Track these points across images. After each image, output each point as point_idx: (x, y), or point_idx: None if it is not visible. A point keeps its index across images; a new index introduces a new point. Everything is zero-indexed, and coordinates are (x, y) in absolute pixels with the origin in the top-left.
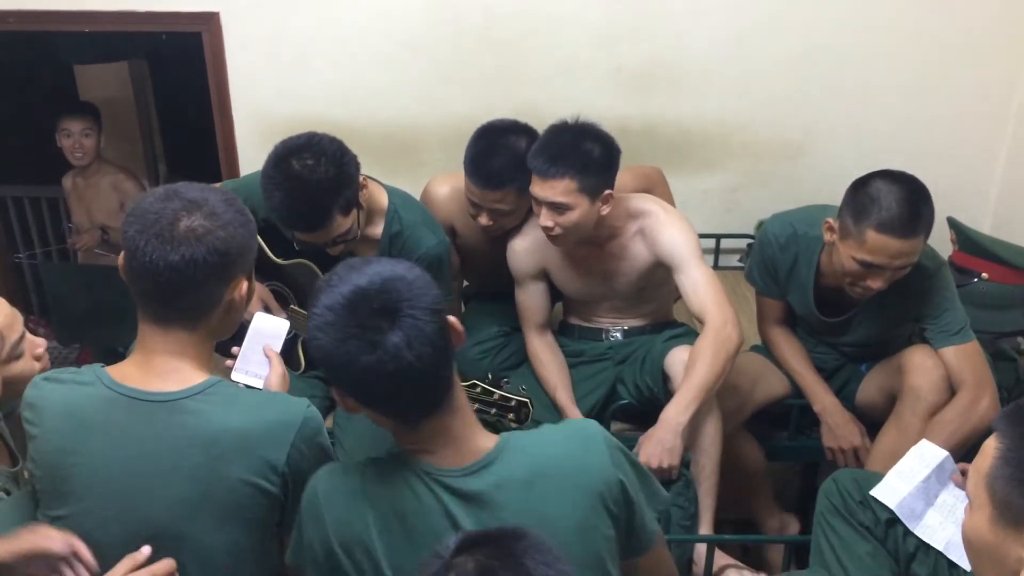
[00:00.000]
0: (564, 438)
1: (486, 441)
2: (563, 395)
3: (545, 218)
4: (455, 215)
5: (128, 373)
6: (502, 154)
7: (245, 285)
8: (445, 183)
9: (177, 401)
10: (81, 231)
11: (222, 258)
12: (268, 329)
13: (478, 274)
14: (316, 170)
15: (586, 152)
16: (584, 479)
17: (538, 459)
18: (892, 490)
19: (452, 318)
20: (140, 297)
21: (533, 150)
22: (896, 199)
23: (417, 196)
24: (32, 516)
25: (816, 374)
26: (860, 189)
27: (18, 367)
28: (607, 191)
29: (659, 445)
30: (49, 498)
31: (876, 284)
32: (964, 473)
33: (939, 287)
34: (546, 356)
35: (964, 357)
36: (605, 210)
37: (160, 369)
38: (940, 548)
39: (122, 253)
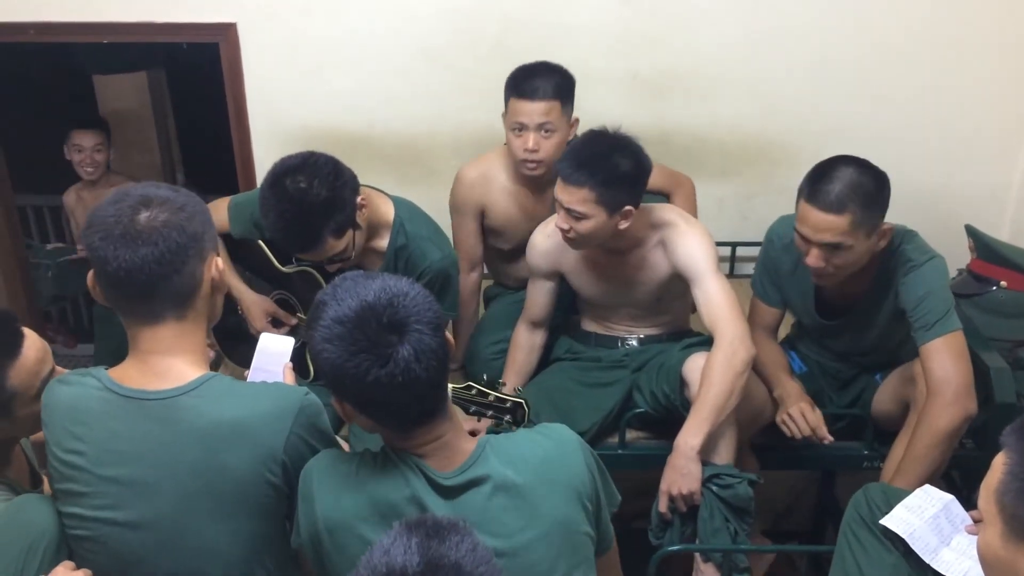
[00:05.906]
0: (542, 439)
1: (469, 444)
2: (509, 375)
3: (562, 220)
4: (485, 196)
5: (127, 374)
6: (549, 71)
7: (219, 260)
8: (475, 167)
9: (173, 399)
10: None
11: (191, 238)
12: (275, 348)
13: (506, 255)
14: (308, 193)
15: (613, 166)
16: (563, 477)
17: (518, 459)
18: (903, 521)
19: (447, 334)
20: (123, 302)
21: (563, 153)
22: (834, 176)
23: (431, 205)
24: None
25: (787, 367)
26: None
27: None
28: (628, 207)
29: (676, 472)
30: (63, 495)
31: (811, 260)
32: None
33: (924, 277)
34: (523, 348)
35: (932, 355)
36: (624, 225)
37: (156, 369)
38: None
39: (90, 272)
